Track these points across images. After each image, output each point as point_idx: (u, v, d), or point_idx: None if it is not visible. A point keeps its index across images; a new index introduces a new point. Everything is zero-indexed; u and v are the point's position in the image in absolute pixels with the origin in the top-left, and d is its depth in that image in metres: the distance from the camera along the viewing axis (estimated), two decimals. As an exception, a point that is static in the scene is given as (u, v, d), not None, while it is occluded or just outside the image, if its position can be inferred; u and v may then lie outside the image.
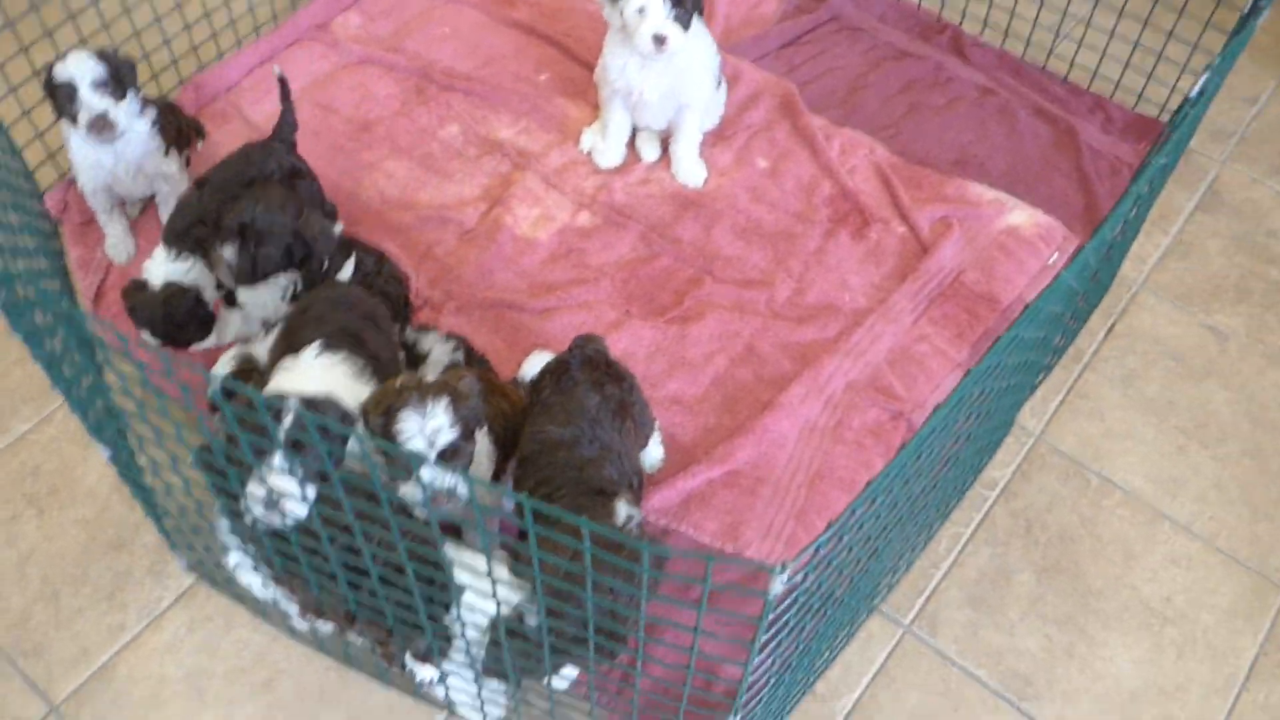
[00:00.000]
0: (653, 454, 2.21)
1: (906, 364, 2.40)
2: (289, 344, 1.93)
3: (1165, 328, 2.54)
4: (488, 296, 2.46)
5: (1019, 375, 1.97)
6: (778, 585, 1.12)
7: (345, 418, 1.74)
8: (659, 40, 2.39)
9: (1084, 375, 2.46)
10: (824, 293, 2.53)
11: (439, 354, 2.22)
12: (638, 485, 1.87)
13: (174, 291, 2.22)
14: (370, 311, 2.05)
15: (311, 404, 1.71)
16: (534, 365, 2.25)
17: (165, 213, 2.54)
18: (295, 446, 1.65)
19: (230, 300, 2.34)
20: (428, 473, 1.68)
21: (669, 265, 2.57)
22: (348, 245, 2.33)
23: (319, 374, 1.86)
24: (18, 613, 2.06)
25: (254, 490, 1.62)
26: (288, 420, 1.65)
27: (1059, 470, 2.31)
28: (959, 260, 2.58)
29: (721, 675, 1.95)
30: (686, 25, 2.41)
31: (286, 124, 2.42)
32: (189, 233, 2.23)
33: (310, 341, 1.89)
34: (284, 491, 1.60)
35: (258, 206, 2.11)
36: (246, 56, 2.95)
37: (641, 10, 2.39)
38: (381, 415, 1.68)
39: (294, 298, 2.19)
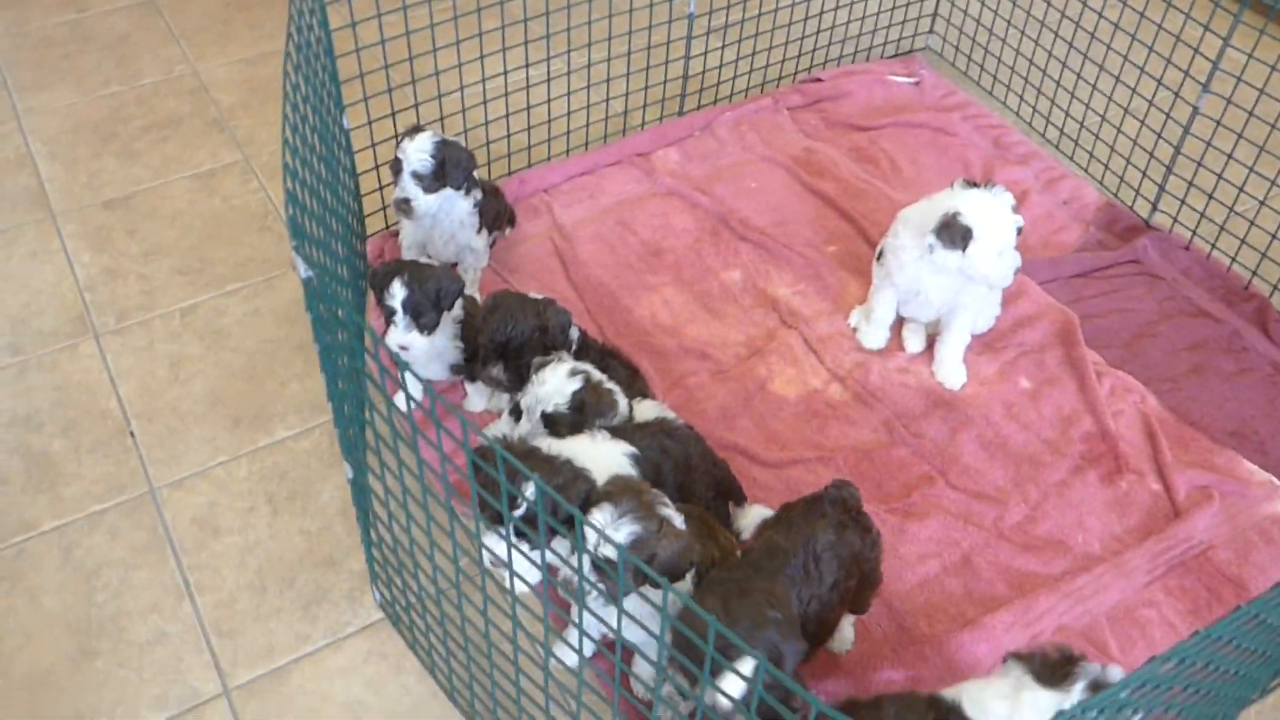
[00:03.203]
0: (844, 634, 2.17)
1: (1128, 625, 2.26)
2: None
3: None
4: (725, 438, 2.52)
5: (1251, 666, 1.81)
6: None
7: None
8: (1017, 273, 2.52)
9: (1327, 698, 2.23)
10: (1058, 527, 2.43)
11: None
12: (800, 650, 1.84)
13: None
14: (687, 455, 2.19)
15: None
16: (751, 518, 2.27)
17: (466, 279, 2.78)
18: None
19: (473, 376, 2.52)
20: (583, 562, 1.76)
21: (905, 458, 2.55)
22: (608, 352, 2.46)
23: (601, 450, 2.01)
24: (228, 592, 2.24)
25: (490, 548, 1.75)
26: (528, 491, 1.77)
27: (1274, 791, 2.09)
28: (1211, 535, 2.43)
29: None
30: None
31: None
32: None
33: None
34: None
35: (508, 325, 2.29)
36: (570, 165, 3.22)
37: (1001, 253, 2.47)
38: (592, 502, 1.78)
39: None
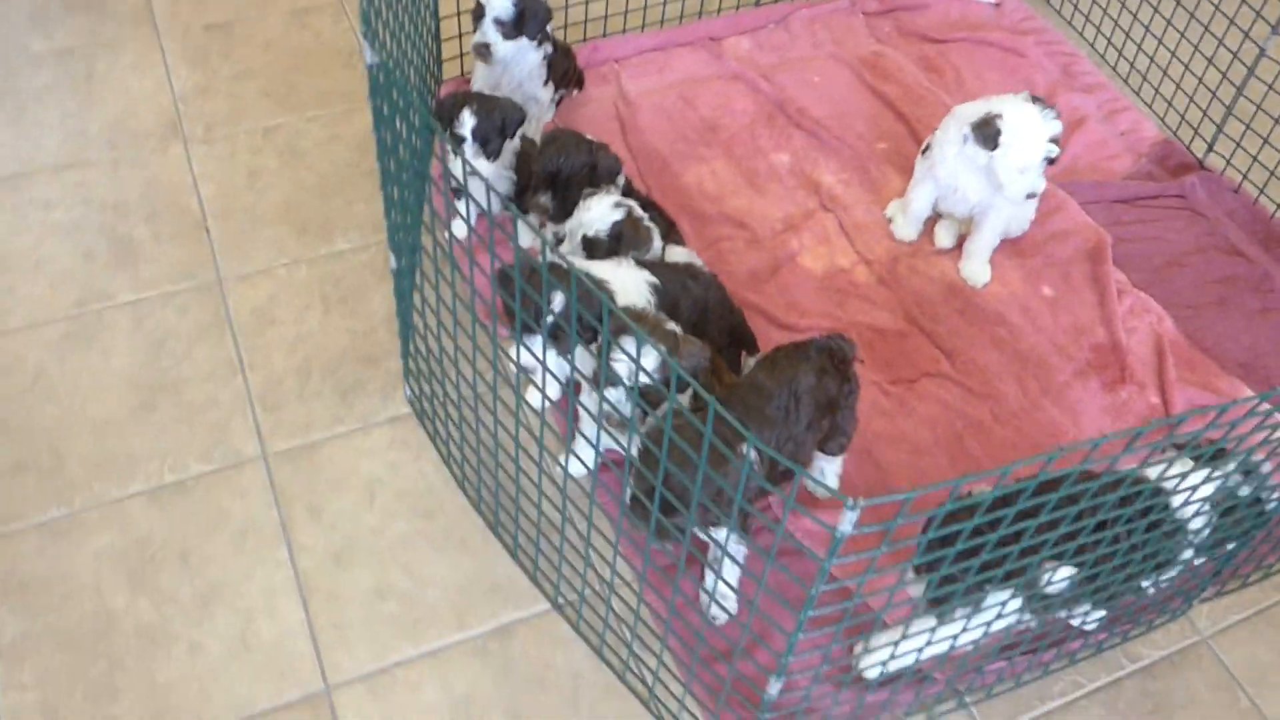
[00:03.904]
0: (829, 482, 2.32)
1: (1101, 515, 2.38)
2: None
3: (1393, 603, 2.38)
4: (747, 298, 2.67)
5: (1197, 543, 1.94)
6: (847, 523, 1.24)
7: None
8: (1033, 196, 2.59)
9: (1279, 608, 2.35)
10: (1051, 421, 2.55)
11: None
12: (779, 470, 2.00)
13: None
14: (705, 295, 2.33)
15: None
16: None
17: (528, 130, 2.94)
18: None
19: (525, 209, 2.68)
20: (612, 394, 1.92)
21: (917, 342, 2.68)
22: (650, 204, 2.62)
23: (625, 274, 2.17)
24: (276, 373, 2.47)
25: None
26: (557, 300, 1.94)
27: (1211, 677, 2.22)
28: (1200, 450, 2.53)
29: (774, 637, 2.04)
30: None
31: None
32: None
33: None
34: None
35: (560, 157, 2.44)
36: (644, 40, 3.35)
37: (1024, 170, 2.55)
38: (615, 329, 1.93)
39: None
